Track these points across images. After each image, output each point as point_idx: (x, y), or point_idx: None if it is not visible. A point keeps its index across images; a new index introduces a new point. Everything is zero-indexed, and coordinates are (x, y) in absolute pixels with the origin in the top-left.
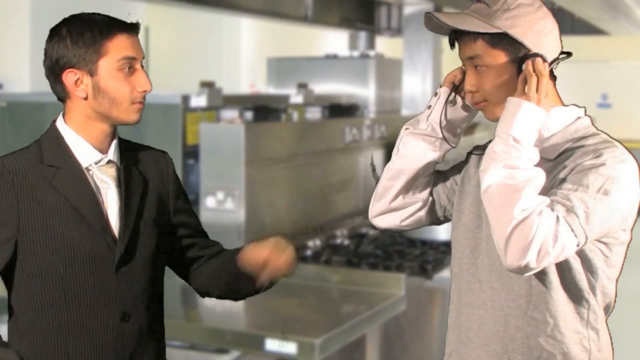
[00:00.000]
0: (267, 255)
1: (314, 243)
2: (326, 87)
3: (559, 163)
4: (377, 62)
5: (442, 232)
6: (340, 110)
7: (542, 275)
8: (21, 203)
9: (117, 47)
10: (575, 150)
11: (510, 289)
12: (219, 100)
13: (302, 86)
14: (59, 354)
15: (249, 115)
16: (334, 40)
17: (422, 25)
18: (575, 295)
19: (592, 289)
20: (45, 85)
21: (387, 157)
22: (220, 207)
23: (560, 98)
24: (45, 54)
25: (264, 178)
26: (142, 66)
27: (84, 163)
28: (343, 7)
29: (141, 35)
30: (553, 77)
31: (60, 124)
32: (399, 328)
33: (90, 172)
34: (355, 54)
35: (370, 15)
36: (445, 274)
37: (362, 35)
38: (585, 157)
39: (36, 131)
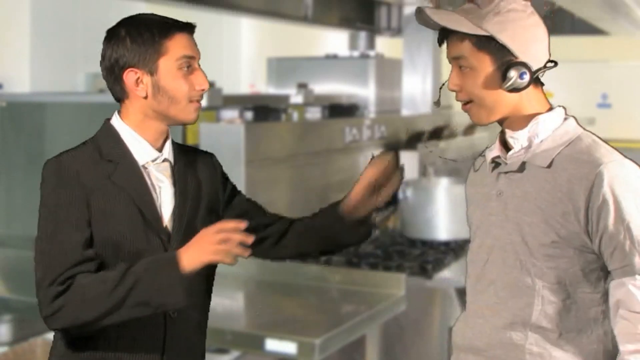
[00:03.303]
0: (374, 175)
1: None
2: (326, 87)
3: (556, 173)
4: (377, 62)
5: (442, 232)
6: (340, 110)
7: (555, 287)
8: (87, 192)
9: (177, 46)
10: (570, 159)
11: (518, 299)
12: (219, 100)
13: (302, 86)
14: (108, 344)
15: (249, 115)
16: (334, 40)
17: (422, 25)
18: (587, 308)
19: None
20: (45, 85)
21: None
22: None
23: (548, 102)
24: (103, 56)
25: (264, 178)
26: (199, 65)
27: (140, 160)
28: (343, 7)
29: None
30: (540, 83)
31: (116, 121)
32: (399, 328)
33: (147, 170)
34: (355, 54)
35: (370, 15)
36: (445, 274)
37: (362, 35)
38: (583, 168)
39: (36, 131)
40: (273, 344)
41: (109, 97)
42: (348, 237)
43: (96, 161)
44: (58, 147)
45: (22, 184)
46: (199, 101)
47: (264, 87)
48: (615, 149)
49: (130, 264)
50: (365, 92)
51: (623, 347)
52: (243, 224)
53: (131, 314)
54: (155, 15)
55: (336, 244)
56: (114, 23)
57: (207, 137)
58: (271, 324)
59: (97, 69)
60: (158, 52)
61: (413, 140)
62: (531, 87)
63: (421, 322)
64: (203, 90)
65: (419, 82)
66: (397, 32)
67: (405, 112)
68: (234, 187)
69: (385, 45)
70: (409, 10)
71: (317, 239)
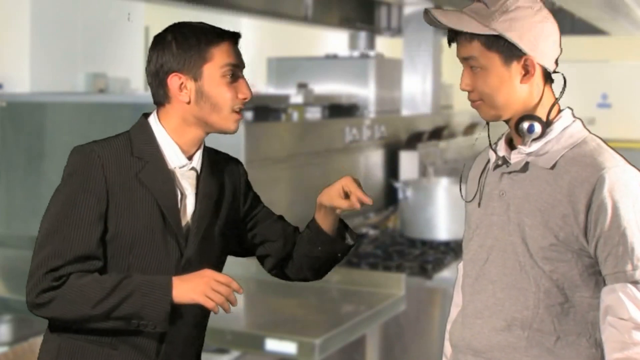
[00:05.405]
0: (341, 187)
1: None
2: (326, 87)
3: (558, 175)
4: (377, 62)
5: (442, 232)
6: (340, 110)
7: (554, 290)
8: (109, 186)
9: (222, 53)
10: (573, 162)
11: (516, 300)
12: None
13: (302, 86)
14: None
15: (249, 115)
16: (334, 40)
17: (422, 25)
18: (586, 313)
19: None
20: (45, 85)
21: (387, 157)
22: None
23: (556, 101)
24: (149, 60)
25: (264, 178)
26: (243, 75)
27: (170, 164)
28: (343, 7)
29: (141, 35)
30: (550, 80)
31: (153, 121)
32: (399, 328)
33: (174, 174)
34: (355, 54)
35: (370, 15)
36: (445, 274)
37: (362, 35)
38: (585, 171)
39: (36, 131)
40: (273, 344)
41: (109, 97)
42: (332, 248)
43: (125, 156)
44: (58, 147)
45: (22, 184)
46: (240, 111)
47: (264, 87)
48: (619, 153)
49: (126, 275)
50: (365, 92)
51: (609, 357)
52: (237, 286)
53: (113, 325)
54: (203, 23)
55: (325, 259)
56: (114, 23)
57: (207, 137)
58: (271, 324)
59: (97, 69)
60: (203, 59)
61: (413, 140)
62: (541, 85)
63: (421, 322)
64: (246, 99)
65: (419, 82)
66: (397, 32)
67: (405, 112)
68: (255, 198)
69: (385, 45)
70: (409, 10)
71: (308, 259)
